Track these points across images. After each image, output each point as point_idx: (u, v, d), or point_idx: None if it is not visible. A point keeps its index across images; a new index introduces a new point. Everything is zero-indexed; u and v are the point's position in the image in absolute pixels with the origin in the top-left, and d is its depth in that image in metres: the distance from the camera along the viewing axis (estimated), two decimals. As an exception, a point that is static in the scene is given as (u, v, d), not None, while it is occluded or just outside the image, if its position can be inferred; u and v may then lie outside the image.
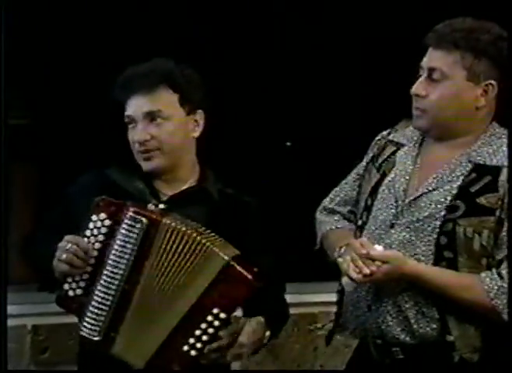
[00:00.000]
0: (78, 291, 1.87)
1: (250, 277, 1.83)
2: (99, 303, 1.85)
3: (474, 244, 1.87)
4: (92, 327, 1.86)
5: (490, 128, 1.95)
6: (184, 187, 2.00)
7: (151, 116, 1.95)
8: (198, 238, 1.85)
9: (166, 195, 1.98)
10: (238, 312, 1.90)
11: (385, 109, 2.11)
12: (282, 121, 3.50)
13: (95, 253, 1.86)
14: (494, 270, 1.87)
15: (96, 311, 1.86)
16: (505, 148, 1.91)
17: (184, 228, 1.86)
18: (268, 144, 3.56)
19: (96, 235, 1.87)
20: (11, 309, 2.69)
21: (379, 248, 1.88)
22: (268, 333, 1.94)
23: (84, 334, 1.86)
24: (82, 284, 1.87)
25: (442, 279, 1.88)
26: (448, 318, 1.89)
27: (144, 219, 1.85)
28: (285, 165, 3.51)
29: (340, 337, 2.13)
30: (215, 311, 1.84)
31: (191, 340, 1.84)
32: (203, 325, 1.84)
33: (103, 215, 1.87)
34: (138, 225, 1.85)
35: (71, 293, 1.88)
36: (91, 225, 1.87)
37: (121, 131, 2.00)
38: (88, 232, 1.86)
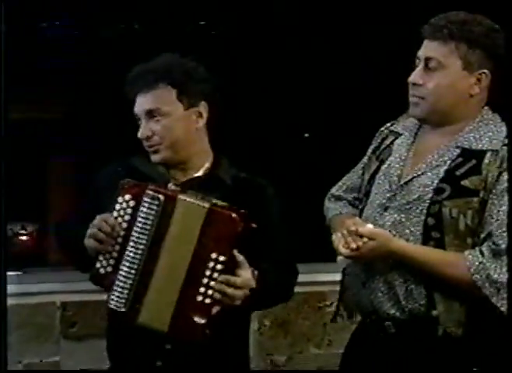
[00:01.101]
0: (109, 269, 1.91)
1: (233, 215, 1.85)
2: (125, 277, 1.88)
3: (459, 224, 1.90)
4: (119, 300, 1.89)
5: (480, 115, 1.98)
6: (196, 174, 2.04)
7: (151, 114, 1.99)
8: (206, 205, 1.87)
9: (178, 181, 2.02)
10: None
11: (394, 103, 2.17)
12: (301, 113, 3.54)
13: (122, 232, 1.89)
14: (477, 248, 1.90)
15: (121, 284, 1.88)
16: (490, 134, 1.95)
17: (198, 202, 1.89)
18: (287, 134, 3.61)
19: (122, 216, 1.91)
20: (42, 287, 2.84)
21: (369, 226, 1.92)
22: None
23: (112, 306, 1.88)
24: (111, 261, 1.91)
25: (426, 256, 1.90)
26: (434, 294, 1.91)
27: (161, 196, 1.88)
28: (303, 155, 3.53)
29: (346, 316, 2.15)
30: (213, 256, 1.86)
31: (202, 289, 1.86)
32: (207, 272, 1.86)
33: (127, 196, 1.91)
34: (156, 202, 1.88)
35: (102, 271, 1.92)
36: (117, 207, 1.91)
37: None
38: (115, 213, 1.90)
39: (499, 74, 1.96)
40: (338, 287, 2.17)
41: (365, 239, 1.90)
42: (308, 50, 3.39)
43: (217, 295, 1.86)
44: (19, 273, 2.95)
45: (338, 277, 2.15)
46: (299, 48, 3.39)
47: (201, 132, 2.05)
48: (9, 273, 2.91)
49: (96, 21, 3.19)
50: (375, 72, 3.47)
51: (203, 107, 2.02)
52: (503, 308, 1.90)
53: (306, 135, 3.79)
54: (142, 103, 2.00)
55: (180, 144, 2.02)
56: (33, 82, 3.44)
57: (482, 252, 1.90)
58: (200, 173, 2.05)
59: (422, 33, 1.98)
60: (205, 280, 1.87)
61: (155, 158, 2.03)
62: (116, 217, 1.90)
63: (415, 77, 1.97)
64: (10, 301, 2.70)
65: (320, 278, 2.92)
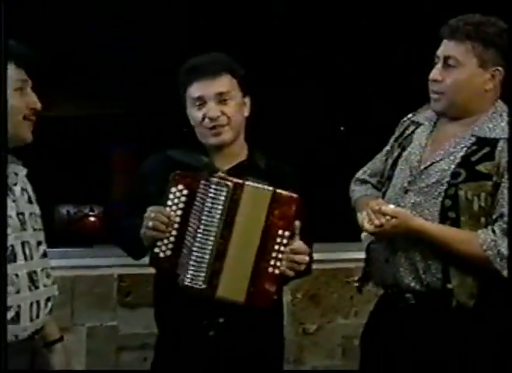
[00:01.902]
0: (168, 252, 1.92)
1: (295, 195, 1.91)
2: (199, 258, 1.89)
3: (474, 205, 1.90)
4: (196, 278, 1.89)
5: (494, 107, 1.98)
6: (236, 162, 2.06)
7: (221, 96, 2.00)
8: (271, 189, 1.90)
9: (221, 169, 2.02)
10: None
11: (417, 96, 2.14)
12: (337, 108, 3.50)
13: (177, 219, 1.91)
14: (489, 227, 1.90)
15: (197, 264, 1.89)
16: (503, 124, 1.95)
17: (264, 187, 1.91)
18: (325, 128, 3.59)
19: (177, 204, 1.91)
20: (103, 261, 2.86)
21: (391, 206, 1.94)
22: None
23: (188, 284, 1.88)
24: (170, 245, 1.92)
25: (443, 233, 1.91)
26: (450, 269, 1.92)
27: (230, 183, 1.89)
28: (338, 147, 3.50)
29: (371, 288, 2.16)
30: (280, 232, 1.90)
31: (272, 262, 1.90)
32: (276, 247, 1.91)
33: (180, 186, 1.92)
34: (225, 189, 1.89)
35: (161, 254, 1.92)
36: (171, 196, 1.92)
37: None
38: (169, 202, 1.91)
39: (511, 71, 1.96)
40: (363, 264, 2.16)
41: (388, 217, 1.91)
42: (344, 43, 3.31)
43: (288, 264, 1.91)
44: (85, 249, 2.98)
45: (362, 254, 2.15)
46: (336, 41, 3.31)
47: (244, 122, 2.09)
48: (77, 248, 2.93)
49: (155, 22, 3.17)
50: (403, 68, 3.37)
51: (247, 100, 2.08)
52: None
53: (342, 128, 3.72)
54: (209, 87, 2.00)
55: (238, 128, 2.05)
56: (98, 82, 3.45)
57: (493, 231, 1.90)
58: (238, 161, 2.06)
59: (440, 33, 1.98)
60: (274, 254, 1.91)
61: (215, 140, 2.02)
62: (171, 206, 1.92)
63: (434, 74, 1.97)
64: (76, 273, 2.76)
65: (347, 256, 2.89)
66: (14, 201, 1.78)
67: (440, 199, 1.92)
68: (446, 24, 1.97)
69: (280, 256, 1.90)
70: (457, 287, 1.91)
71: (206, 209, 1.88)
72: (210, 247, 1.88)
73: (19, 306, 1.72)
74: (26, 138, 1.78)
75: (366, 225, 1.93)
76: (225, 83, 2.00)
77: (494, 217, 1.90)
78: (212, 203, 1.88)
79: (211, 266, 1.88)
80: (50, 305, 1.82)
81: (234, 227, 1.89)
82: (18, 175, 1.83)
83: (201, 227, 1.88)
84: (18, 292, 1.73)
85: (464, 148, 1.94)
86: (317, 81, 3.43)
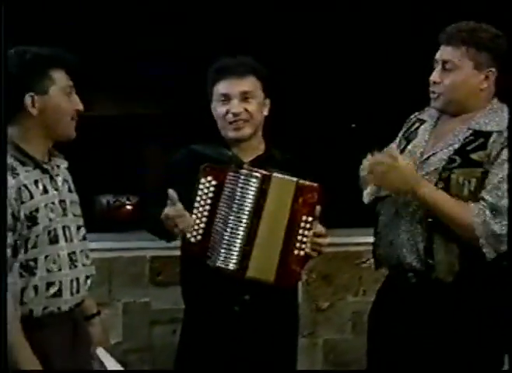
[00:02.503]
0: (199, 237, 1.96)
1: (315, 184, 1.96)
2: (230, 241, 1.93)
3: (464, 189, 1.93)
4: (227, 260, 1.93)
5: (490, 104, 2.01)
6: (255, 155, 2.09)
7: (244, 95, 2.03)
8: (294, 180, 1.95)
9: (244, 160, 2.06)
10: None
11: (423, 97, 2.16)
12: (349, 105, 3.48)
13: (207, 207, 1.95)
14: (478, 203, 1.91)
15: (228, 247, 1.93)
16: (498, 119, 1.97)
17: (288, 178, 1.96)
18: (336, 125, 3.58)
19: (206, 193, 1.96)
20: (135, 245, 2.88)
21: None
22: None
23: (221, 265, 1.93)
24: (200, 231, 1.96)
25: (444, 197, 1.92)
26: (434, 247, 1.93)
27: (259, 174, 1.94)
28: (349, 144, 3.48)
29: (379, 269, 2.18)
30: (303, 218, 1.95)
31: (298, 245, 1.95)
32: (301, 231, 1.95)
33: (209, 178, 1.96)
34: (254, 180, 1.94)
35: (193, 239, 1.96)
36: (201, 186, 1.96)
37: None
38: (199, 192, 1.96)
39: (504, 72, 1.99)
40: (370, 248, 2.18)
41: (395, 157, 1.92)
42: (357, 43, 3.28)
43: (309, 246, 1.95)
44: (122, 233, 2.99)
45: (371, 239, 2.17)
46: (348, 40, 3.28)
47: (263, 121, 2.12)
48: (115, 233, 2.93)
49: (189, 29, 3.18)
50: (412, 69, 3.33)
51: (267, 102, 2.12)
52: (488, 254, 1.90)
53: (353, 125, 3.69)
54: (235, 86, 2.04)
55: (257, 125, 2.08)
56: (137, 87, 3.50)
57: (483, 206, 1.92)
58: (258, 153, 2.09)
59: (438, 39, 2.01)
60: (299, 238, 1.96)
61: (236, 134, 2.05)
62: (201, 195, 1.95)
63: (434, 76, 2.00)
64: (113, 254, 2.79)
65: (357, 240, 2.86)
66: (56, 190, 1.82)
67: (435, 180, 1.94)
68: (443, 31, 2.00)
69: (305, 239, 1.94)
70: (437, 264, 1.93)
71: (237, 198, 1.92)
72: (241, 232, 1.92)
73: (60, 282, 1.78)
74: (71, 135, 1.83)
75: (365, 163, 1.94)
76: (249, 83, 2.04)
77: (481, 195, 1.91)
78: (242, 193, 1.92)
79: (241, 250, 1.92)
80: (89, 282, 1.86)
81: (263, 214, 1.93)
82: (60, 167, 1.86)
83: (233, 214, 1.92)
84: (60, 270, 1.77)
85: (461, 140, 1.97)
86: (328, 81, 3.41)
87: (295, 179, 1.96)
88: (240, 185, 1.93)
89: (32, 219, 1.71)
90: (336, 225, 2.77)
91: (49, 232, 1.73)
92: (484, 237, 1.89)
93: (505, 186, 1.89)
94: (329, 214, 2.07)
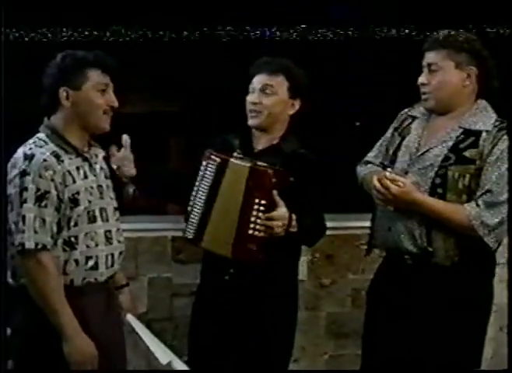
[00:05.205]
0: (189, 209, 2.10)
1: (270, 171, 1.97)
2: (193, 215, 2.06)
3: (459, 184, 1.98)
4: (188, 230, 2.08)
5: (476, 104, 2.06)
6: (267, 145, 2.14)
7: (265, 88, 2.09)
8: (248, 165, 1.98)
9: (256, 149, 2.14)
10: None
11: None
12: (353, 104, 3.54)
13: (195, 188, 2.06)
14: (473, 201, 1.98)
15: (190, 220, 2.07)
16: (484, 118, 2.03)
17: (243, 163, 1.99)
18: (341, 123, 3.63)
19: (202, 176, 2.07)
20: (159, 226, 2.97)
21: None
22: (294, 228, 2.02)
23: (185, 235, 2.08)
24: (189, 208, 2.08)
25: (438, 205, 1.98)
26: (432, 234, 1.98)
27: (218, 159, 2.03)
28: (354, 141, 3.52)
29: (376, 250, 2.25)
30: (256, 200, 1.98)
31: (252, 225, 1.98)
32: (254, 213, 1.99)
33: (204, 162, 2.07)
34: (214, 163, 2.04)
35: (189, 208, 2.08)
36: (202, 168, 2.08)
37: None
38: (200, 173, 2.08)
39: (483, 70, 2.03)
40: (369, 231, 2.24)
41: (399, 184, 1.98)
42: (363, 43, 3.30)
43: (262, 228, 1.97)
44: (147, 216, 3.05)
45: (368, 223, 2.23)
46: (355, 41, 3.31)
47: (287, 117, 2.16)
48: (142, 216, 3.00)
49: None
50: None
51: (297, 102, 2.14)
52: (491, 245, 1.97)
53: (358, 124, 3.74)
54: (261, 80, 2.11)
55: (272, 117, 2.11)
56: (158, 85, 3.53)
57: (478, 205, 1.98)
58: (271, 144, 2.13)
59: (422, 48, 2.09)
60: (253, 219, 1.98)
61: (252, 121, 2.12)
62: (197, 178, 2.06)
63: (422, 78, 2.09)
64: (139, 235, 2.86)
65: (357, 224, 2.88)
66: (95, 176, 1.92)
67: (432, 176, 2.00)
68: (425, 40, 2.09)
69: (258, 221, 1.96)
70: (436, 250, 1.98)
71: (204, 179, 2.04)
72: (199, 208, 2.04)
73: (97, 256, 1.87)
74: (105, 128, 1.92)
75: (377, 184, 1.98)
76: (275, 80, 2.08)
77: (479, 193, 1.97)
78: (206, 174, 2.04)
79: (198, 223, 2.04)
80: (121, 257, 1.96)
81: (219, 193, 2.01)
82: (98, 156, 1.96)
83: (199, 192, 2.05)
84: (97, 246, 1.87)
85: (454, 138, 2.02)
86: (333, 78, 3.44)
87: (249, 164, 1.98)
88: (208, 168, 2.04)
89: (74, 201, 1.81)
90: (339, 210, 2.87)
91: (88, 213, 1.83)
92: (486, 235, 1.93)
93: (500, 183, 1.93)
94: (334, 200, 2.15)
